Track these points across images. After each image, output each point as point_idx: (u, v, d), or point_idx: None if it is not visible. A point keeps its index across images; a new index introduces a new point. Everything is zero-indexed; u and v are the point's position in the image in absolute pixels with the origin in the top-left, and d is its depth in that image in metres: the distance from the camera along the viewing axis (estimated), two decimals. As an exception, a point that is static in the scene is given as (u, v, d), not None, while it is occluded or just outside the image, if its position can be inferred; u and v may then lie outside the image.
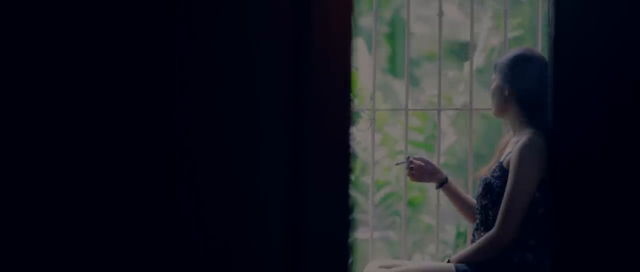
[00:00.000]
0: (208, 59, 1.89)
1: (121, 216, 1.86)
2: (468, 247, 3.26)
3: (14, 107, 1.82)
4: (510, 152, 3.22)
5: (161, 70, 1.87)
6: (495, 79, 3.36)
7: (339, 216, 1.93)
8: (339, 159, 1.93)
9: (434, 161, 3.83)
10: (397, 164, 3.85)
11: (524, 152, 3.14)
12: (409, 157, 3.59)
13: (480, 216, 3.28)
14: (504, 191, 3.16)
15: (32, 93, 1.83)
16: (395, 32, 8.00)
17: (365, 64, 6.57)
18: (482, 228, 3.26)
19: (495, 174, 3.24)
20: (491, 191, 3.23)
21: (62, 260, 1.84)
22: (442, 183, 3.55)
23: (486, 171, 3.34)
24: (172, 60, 1.88)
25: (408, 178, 3.62)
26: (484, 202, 3.25)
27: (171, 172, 1.88)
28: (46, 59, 1.83)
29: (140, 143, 1.86)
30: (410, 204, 6.89)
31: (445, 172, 3.61)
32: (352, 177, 1.96)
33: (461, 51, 7.49)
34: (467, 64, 6.79)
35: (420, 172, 3.56)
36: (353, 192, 1.95)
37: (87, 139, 1.85)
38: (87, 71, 1.85)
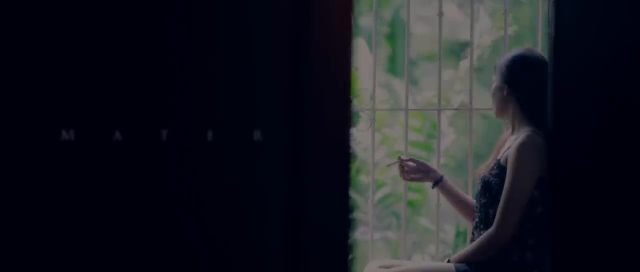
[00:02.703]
0: (207, 58, 1.89)
1: (121, 216, 1.86)
2: (468, 247, 3.26)
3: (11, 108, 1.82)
4: (508, 148, 3.22)
5: (160, 70, 1.87)
6: (495, 80, 3.36)
7: (338, 216, 1.93)
8: (338, 159, 1.93)
9: (433, 161, 3.83)
10: (388, 165, 3.84)
11: (522, 150, 3.14)
12: (399, 157, 3.59)
13: (479, 214, 3.28)
14: (502, 188, 3.17)
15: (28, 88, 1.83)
16: (395, 32, 7.99)
17: (365, 64, 6.57)
18: (481, 226, 3.26)
19: (493, 172, 3.24)
20: (490, 189, 3.23)
21: (62, 261, 1.84)
22: (437, 182, 3.55)
23: (484, 168, 3.34)
24: (170, 60, 1.87)
25: (401, 178, 3.62)
26: (483, 201, 3.25)
27: (171, 173, 1.87)
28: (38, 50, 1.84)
29: (139, 143, 1.86)
30: (410, 204, 6.88)
31: (445, 172, 3.61)
32: (352, 177, 1.95)
33: (460, 51, 7.49)
34: (462, 63, 6.80)
35: (412, 171, 3.57)
36: (352, 193, 1.95)
37: (85, 142, 1.85)
38: (86, 69, 1.85)
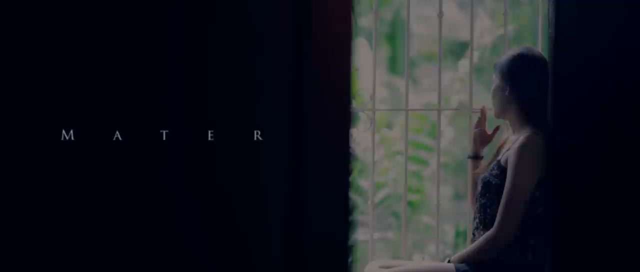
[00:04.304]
0: (207, 58, 1.89)
1: (121, 216, 1.86)
2: (468, 247, 3.26)
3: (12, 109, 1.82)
4: (508, 149, 3.22)
5: (160, 70, 1.87)
6: (495, 80, 3.36)
7: (338, 217, 1.93)
8: (338, 160, 1.93)
9: (434, 161, 3.83)
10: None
11: (522, 152, 3.14)
12: (483, 109, 3.64)
13: (479, 215, 3.27)
14: (502, 189, 3.17)
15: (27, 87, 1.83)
16: (396, 32, 8.00)
17: (365, 64, 6.57)
18: (481, 227, 3.26)
19: (494, 172, 3.24)
20: (490, 189, 3.23)
21: (63, 261, 1.84)
22: (476, 157, 3.56)
23: (484, 168, 3.35)
24: (171, 60, 1.87)
25: (476, 129, 3.63)
26: (482, 201, 3.25)
27: (171, 173, 1.87)
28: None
29: (139, 143, 1.86)
30: (409, 204, 6.88)
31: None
32: (351, 178, 1.95)
33: (460, 51, 7.49)
34: (461, 63, 6.80)
35: (482, 133, 3.59)
36: (352, 193, 1.95)
37: (85, 142, 1.85)
38: (86, 69, 1.85)
